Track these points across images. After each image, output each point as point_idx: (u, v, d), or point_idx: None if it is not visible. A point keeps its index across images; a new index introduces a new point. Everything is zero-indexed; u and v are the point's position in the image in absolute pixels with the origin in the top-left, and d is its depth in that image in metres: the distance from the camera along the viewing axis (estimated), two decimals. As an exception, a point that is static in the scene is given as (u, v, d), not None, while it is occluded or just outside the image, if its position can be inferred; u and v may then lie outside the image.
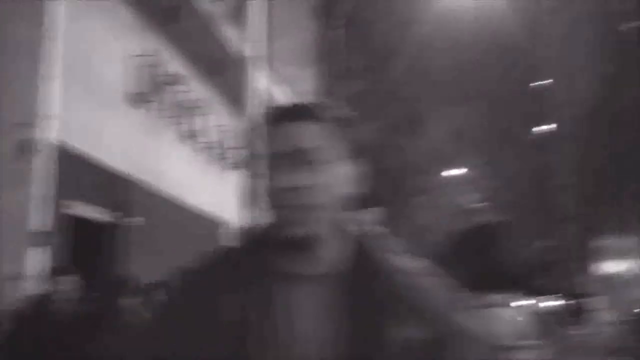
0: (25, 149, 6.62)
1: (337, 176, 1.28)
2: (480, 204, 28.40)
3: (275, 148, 1.26)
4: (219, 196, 11.60)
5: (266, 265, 1.25)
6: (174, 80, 10.05)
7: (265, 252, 1.27)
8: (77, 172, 7.48)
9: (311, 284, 1.24)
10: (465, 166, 27.05)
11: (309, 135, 1.27)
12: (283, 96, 15.54)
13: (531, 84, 23.67)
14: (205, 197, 11.36)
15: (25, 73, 6.81)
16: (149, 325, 1.39)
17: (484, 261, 2.02)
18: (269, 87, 13.57)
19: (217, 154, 12.02)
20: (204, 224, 11.30)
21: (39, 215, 6.70)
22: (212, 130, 11.80)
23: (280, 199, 1.23)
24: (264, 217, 1.30)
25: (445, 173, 27.33)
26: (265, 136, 1.29)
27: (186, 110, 10.74)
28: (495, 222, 2.25)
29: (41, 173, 6.76)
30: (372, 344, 1.20)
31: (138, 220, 8.72)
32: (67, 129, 7.16)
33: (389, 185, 25.56)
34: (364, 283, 1.24)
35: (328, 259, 1.26)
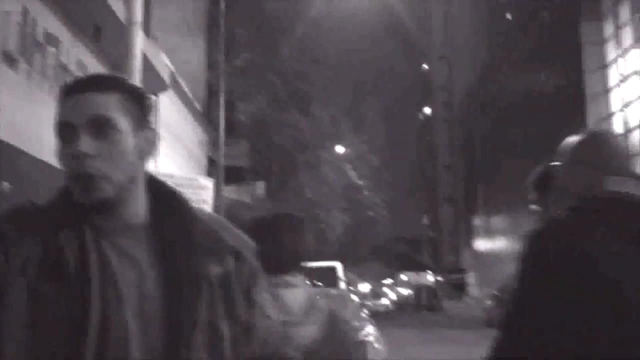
0: None
1: (130, 144, 1.39)
2: (362, 182, 29.17)
3: (70, 116, 1.38)
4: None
5: (78, 218, 1.40)
6: (51, 41, 9.66)
7: (75, 206, 1.41)
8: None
9: (127, 233, 1.41)
10: (349, 145, 27.59)
11: (110, 104, 1.37)
12: (163, 65, 15.27)
13: (417, 67, 24.44)
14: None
15: None
16: None
17: (273, 246, 2.32)
18: (150, 54, 13.29)
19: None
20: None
21: None
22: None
23: (78, 165, 1.35)
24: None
25: (332, 150, 27.76)
26: (62, 105, 1.41)
27: (64, 73, 10.36)
28: (285, 214, 2.57)
29: None
30: (182, 278, 1.38)
31: (5, 185, 8.36)
32: None
33: (278, 160, 25.78)
34: (171, 228, 1.42)
35: (135, 213, 1.43)
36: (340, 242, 30.02)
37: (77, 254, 1.35)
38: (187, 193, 9.75)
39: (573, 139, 2.10)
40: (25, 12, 8.96)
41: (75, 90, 1.40)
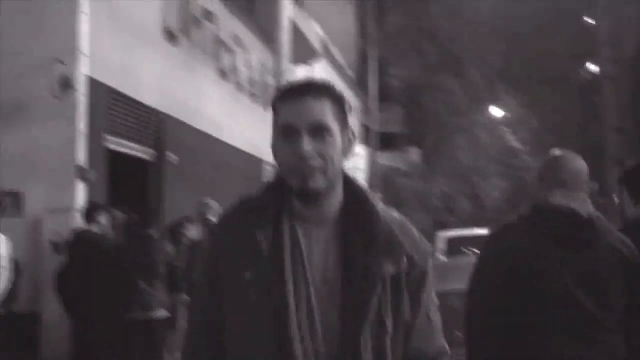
0: (66, 84, 6.75)
1: (339, 145, 1.58)
2: (523, 146, 28.11)
3: (294, 120, 1.55)
4: (254, 133, 11.71)
5: (290, 210, 1.59)
6: (207, 16, 10.07)
7: (289, 201, 1.60)
8: (114, 108, 7.62)
9: (320, 224, 1.60)
10: (506, 107, 26.62)
11: (325, 111, 1.57)
12: (315, 34, 15.45)
13: (579, 21, 22.83)
14: (241, 134, 11.49)
15: (61, 9, 6.90)
16: (204, 253, 1.72)
17: None
18: (301, 24, 13.51)
19: (252, 91, 12.10)
20: (241, 160, 11.47)
21: (81, 150, 6.87)
22: (246, 67, 11.85)
23: (300, 161, 1.53)
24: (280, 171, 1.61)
25: (487, 113, 26.98)
26: (283, 108, 1.58)
27: (221, 47, 10.78)
28: None
29: (81, 109, 6.91)
30: (361, 272, 1.54)
31: (173, 157, 8.88)
32: (101, 65, 7.27)
33: (432, 125, 25.47)
34: (357, 225, 1.59)
35: (332, 207, 1.60)
36: (497, 209, 29.23)
37: (272, 240, 1.55)
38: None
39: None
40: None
41: (295, 95, 1.57)
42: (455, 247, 12.17)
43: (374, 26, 18.47)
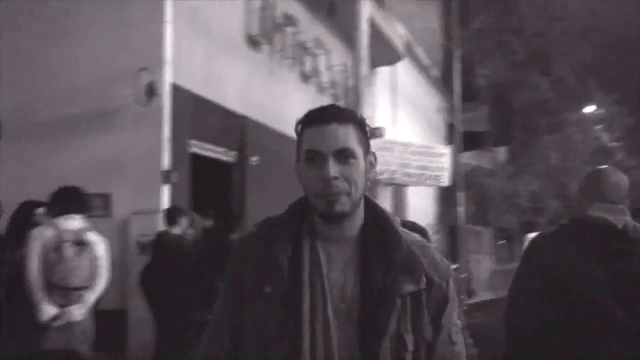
0: (151, 92, 7.02)
1: (363, 168, 1.64)
2: (616, 143, 27.06)
3: (320, 146, 1.61)
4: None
5: (311, 228, 1.67)
6: (288, 21, 10.22)
7: (310, 219, 1.68)
8: (197, 113, 7.87)
9: (340, 243, 1.65)
10: (597, 104, 25.67)
11: (350, 136, 1.62)
12: (397, 34, 15.39)
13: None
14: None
15: (146, 19, 7.18)
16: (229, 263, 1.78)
17: None
18: (383, 25, 13.48)
19: (333, 93, 12.18)
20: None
21: (166, 155, 7.14)
22: (327, 70, 11.95)
23: (326, 185, 1.59)
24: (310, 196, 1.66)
25: (578, 111, 26.10)
26: (309, 133, 1.64)
27: (302, 50, 10.92)
28: None
29: (165, 115, 7.18)
30: (378, 290, 1.59)
31: (255, 159, 9.07)
32: (185, 72, 7.52)
33: (519, 123, 24.86)
34: (377, 244, 1.65)
35: (353, 227, 1.66)
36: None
37: (291, 256, 1.63)
38: (425, 161, 9.82)
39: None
40: (265, -3, 9.57)
41: (320, 121, 1.64)
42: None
43: (458, 25, 18.21)
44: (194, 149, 7.87)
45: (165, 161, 7.12)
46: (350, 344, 1.57)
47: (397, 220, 1.72)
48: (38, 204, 4.99)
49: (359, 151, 1.64)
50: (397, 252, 1.63)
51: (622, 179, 2.75)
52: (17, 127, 7.21)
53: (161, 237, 6.08)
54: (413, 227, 4.23)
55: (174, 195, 7.17)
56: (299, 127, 1.68)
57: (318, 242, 1.65)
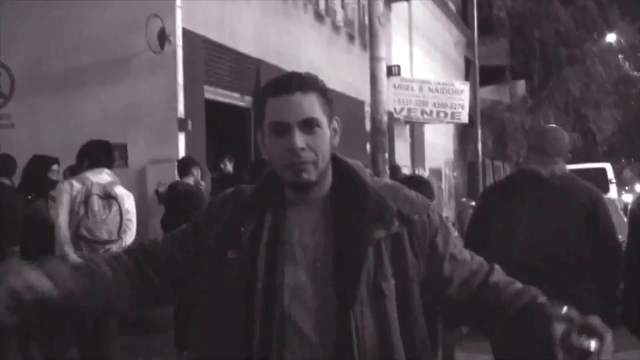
0: (163, 38, 6.93)
1: (327, 136, 1.65)
2: (638, 73, 26.55)
3: (285, 117, 1.61)
4: (352, 75, 11.64)
5: (281, 197, 1.69)
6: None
7: (278, 187, 1.69)
8: (210, 59, 7.77)
9: (310, 207, 1.68)
10: (619, 33, 25.03)
11: (314, 105, 1.62)
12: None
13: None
14: (339, 77, 11.45)
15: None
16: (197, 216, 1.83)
17: None
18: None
19: (348, 32, 11.98)
20: (342, 103, 11.46)
21: (180, 102, 7.09)
22: (342, 7, 11.71)
23: (293, 156, 1.60)
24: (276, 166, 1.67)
25: (600, 41, 25.50)
26: (273, 105, 1.62)
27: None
28: None
29: (179, 61, 7.09)
30: (353, 244, 1.61)
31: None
32: (196, 17, 7.39)
33: (540, 56, 24.36)
34: (347, 200, 1.67)
35: (322, 190, 1.69)
36: (610, 142, 27.84)
37: (254, 228, 1.65)
38: (443, 98, 9.81)
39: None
40: None
41: (284, 91, 1.62)
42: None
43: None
44: (209, 95, 7.80)
45: (181, 108, 7.07)
46: (328, 303, 1.60)
47: (365, 172, 1.74)
48: (52, 160, 4.99)
49: (323, 119, 1.64)
50: (366, 200, 1.65)
51: (560, 136, 3.16)
52: (30, 82, 7.16)
53: (174, 187, 6.08)
54: (411, 180, 4.34)
55: (189, 143, 7.15)
56: (262, 98, 1.66)
57: (288, 209, 1.67)
